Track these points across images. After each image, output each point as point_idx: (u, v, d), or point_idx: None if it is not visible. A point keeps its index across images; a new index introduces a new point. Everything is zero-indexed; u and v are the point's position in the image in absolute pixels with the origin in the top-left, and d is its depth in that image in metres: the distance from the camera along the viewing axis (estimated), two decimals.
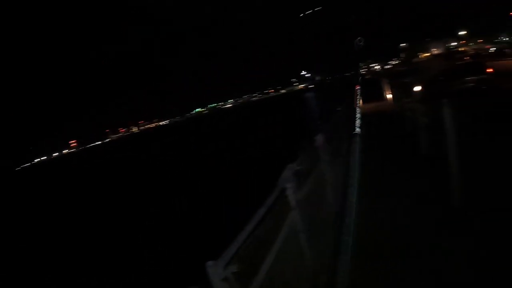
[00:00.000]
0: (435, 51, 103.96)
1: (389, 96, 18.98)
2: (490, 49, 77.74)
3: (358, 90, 21.15)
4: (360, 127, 10.87)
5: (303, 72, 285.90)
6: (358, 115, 13.00)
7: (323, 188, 4.66)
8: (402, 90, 11.26)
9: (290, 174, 3.34)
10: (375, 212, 5.08)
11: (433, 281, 3.33)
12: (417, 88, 18.44)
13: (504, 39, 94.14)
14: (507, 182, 4.91)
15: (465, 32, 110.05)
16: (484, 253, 3.50)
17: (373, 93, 20.79)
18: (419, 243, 4.00)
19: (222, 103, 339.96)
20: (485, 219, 4.12)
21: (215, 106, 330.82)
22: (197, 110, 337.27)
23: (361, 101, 19.44)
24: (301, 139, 4.67)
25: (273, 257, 2.78)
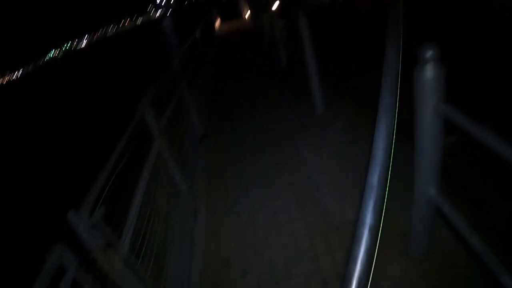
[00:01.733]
0: None
1: (247, 13, 19.03)
2: None
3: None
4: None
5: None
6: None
7: (186, 113, 4.56)
8: (261, 7, 11.26)
9: (148, 101, 3.14)
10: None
11: None
12: (275, 4, 18.68)
13: None
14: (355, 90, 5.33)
15: None
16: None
17: (231, 11, 20.63)
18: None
19: (76, 41, 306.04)
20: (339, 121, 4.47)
21: (69, 47, 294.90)
22: (52, 53, 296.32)
23: (219, 20, 19.16)
24: (160, 68, 4.38)
25: (143, 192, 2.66)
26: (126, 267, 2.08)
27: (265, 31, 10.10)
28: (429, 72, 1.79)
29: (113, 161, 2.38)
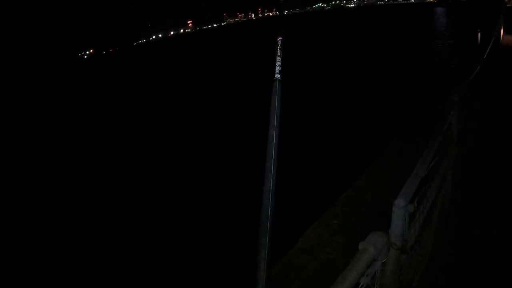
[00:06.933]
0: None
1: None
2: None
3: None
4: None
5: None
6: None
7: None
8: None
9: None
10: None
11: None
12: None
13: None
14: None
15: None
16: None
17: None
18: None
19: (345, 1, 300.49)
20: None
21: (338, 3, 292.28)
22: (319, 5, 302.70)
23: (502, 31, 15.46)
24: None
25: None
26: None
27: None
28: None
29: (430, 156, 2.24)
